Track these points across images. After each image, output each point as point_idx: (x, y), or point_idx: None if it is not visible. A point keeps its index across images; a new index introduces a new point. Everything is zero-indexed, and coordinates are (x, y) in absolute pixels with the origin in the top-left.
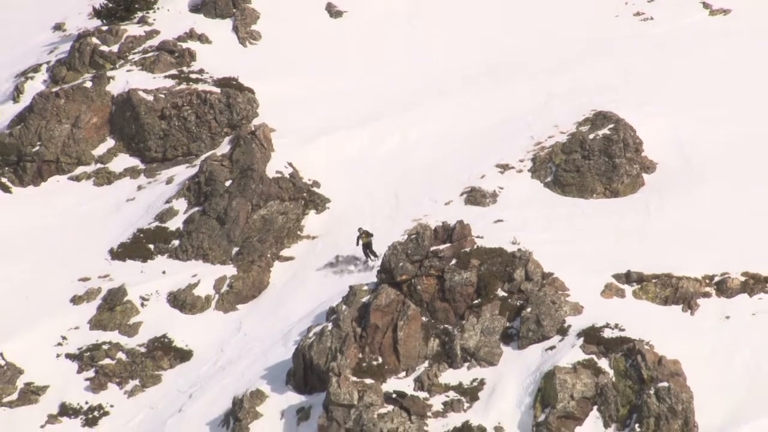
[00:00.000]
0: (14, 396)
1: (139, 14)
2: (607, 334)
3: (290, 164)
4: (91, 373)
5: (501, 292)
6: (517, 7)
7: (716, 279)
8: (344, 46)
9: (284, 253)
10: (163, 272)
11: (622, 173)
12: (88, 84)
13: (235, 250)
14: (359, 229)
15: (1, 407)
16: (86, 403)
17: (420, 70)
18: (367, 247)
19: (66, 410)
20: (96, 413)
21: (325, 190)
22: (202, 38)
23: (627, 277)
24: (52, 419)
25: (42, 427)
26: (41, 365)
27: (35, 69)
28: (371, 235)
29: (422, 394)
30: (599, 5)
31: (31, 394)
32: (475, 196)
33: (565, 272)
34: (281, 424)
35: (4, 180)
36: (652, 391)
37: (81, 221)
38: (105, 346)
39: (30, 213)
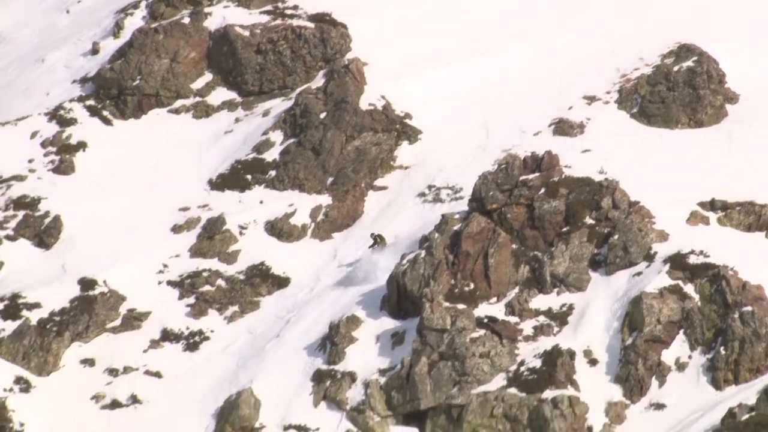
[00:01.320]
0: (117, 322)
1: None
2: (693, 260)
3: (383, 97)
4: (191, 300)
5: (589, 220)
6: None
7: None
8: None
9: (378, 182)
10: (261, 202)
11: (705, 104)
12: (186, 20)
13: (330, 180)
14: (372, 234)
15: (104, 333)
16: (187, 328)
17: (506, 9)
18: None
19: (167, 335)
20: (197, 338)
21: (417, 121)
22: None
23: (711, 205)
24: (154, 344)
25: (144, 352)
26: (143, 292)
27: (135, 5)
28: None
29: (513, 319)
30: None
31: (133, 320)
32: (563, 127)
33: (651, 200)
34: (376, 348)
35: (105, 113)
36: (736, 315)
37: (180, 153)
38: (205, 274)
39: (131, 145)
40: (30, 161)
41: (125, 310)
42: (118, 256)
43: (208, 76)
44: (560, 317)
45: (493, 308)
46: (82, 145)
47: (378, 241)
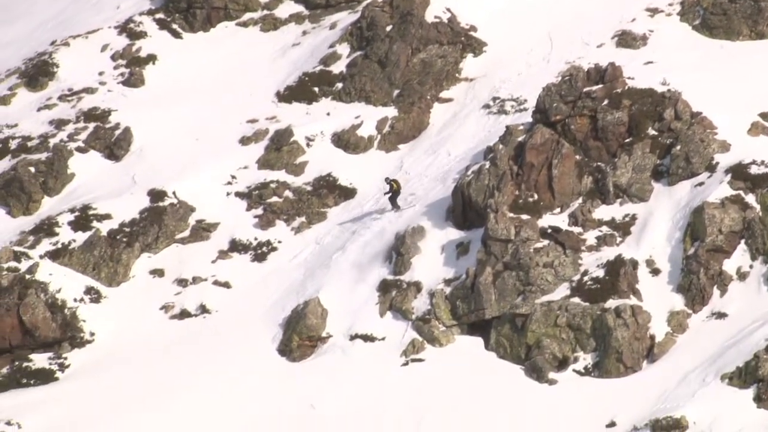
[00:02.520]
0: (186, 233)
1: None
2: (754, 170)
3: (448, 9)
4: (259, 211)
5: (651, 131)
6: None
7: None
8: None
9: (443, 95)
10: (328, 114)
11: (767, 16)
12: None
13: (396, 92)
14: (386, 179)
15: (173, 244)
16: (255, 239)
17: None
18: (395, 195)
19: (236, 246)
20: (264, 249)
21: (482, 34)
22: None
23: None
24: (222, 255)
25: (213, 262)
26: (212, 203)
27: None
28: (400, 187)
29: (576, 229)
30: None
31: (202, 231)
32: (625, 39)
33: (713, 111)
34: (441, 258)
35: (174, 26)
36: None
37: (248, 65)
38: (273, 185)
39: (200, 58)
40: (100, 74)
41: (194, 221)
42: (187, 168)
43: None
44: (623, 227)
45: (556, 219)
46: (151, 58)
47: (394, 186)
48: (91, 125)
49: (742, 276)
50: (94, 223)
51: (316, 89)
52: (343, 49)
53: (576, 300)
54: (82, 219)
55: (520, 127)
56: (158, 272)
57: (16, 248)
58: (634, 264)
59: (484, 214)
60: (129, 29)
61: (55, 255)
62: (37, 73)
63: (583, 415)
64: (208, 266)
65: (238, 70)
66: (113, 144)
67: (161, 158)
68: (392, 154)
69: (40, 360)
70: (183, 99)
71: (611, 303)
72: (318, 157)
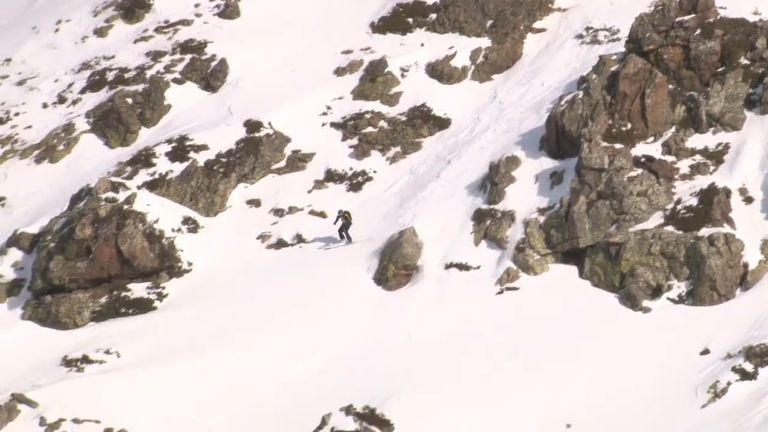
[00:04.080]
0: (282, 163)
1: None
2: None
3: None
4: (354, 141)
5: (743, 60)
6: None
7: None
8: None
9: (536, 25)
10: (422, 45)
11: None
12: None
13: (489, 22)
14: (339, 211)
15: (269, 174)
16: (350, 169)
17: None
18: (346, 228)
19: (331, 176)
20: (359, 179)
21: None
22: None
23: None
24: (318, 184)
25: (309, 192)
26: (307, 134)
27: None
28: (350, 218)
29: (669, 158)
30: None
31: (298, 161)
32: None
33: None
34: (535, 187)
35: None
36: None
37: None
38: (367, 115)
39: None
40: (196, 6)
41: (290, 151)
42: (282, 99)
43: None
44: (716, 156)
45: (649, 148)
46: None
47: (347, 218)
48: (187, 57)
49: None
50: (191, 154)
51: (410, 20)
52: None
53: (669, 228)
54: (179, 150)
55: (613, 57)
56: (254, 202)
57: (114, 179)
58: (727, 192)
59: (578, 143)
60: None
61: (152, 185)
62: (133, 5)
63: (676, 342)
64: (303, 196)
65: (332, 1)
66: (209, 75)
67: (257, 89)
68: (486, 85)
69: (138, 290)
70: (278, 30)
71: (704, 231)
72: (412, 88)
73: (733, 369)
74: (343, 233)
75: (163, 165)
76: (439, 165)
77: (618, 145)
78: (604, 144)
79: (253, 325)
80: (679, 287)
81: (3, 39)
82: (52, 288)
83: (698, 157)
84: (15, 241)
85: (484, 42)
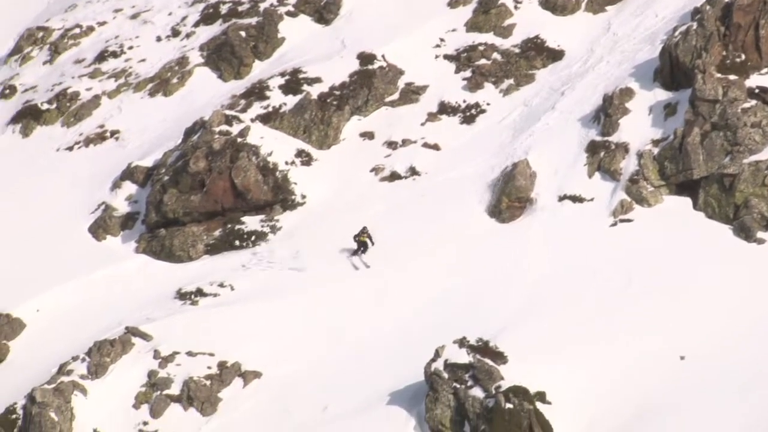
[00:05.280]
0: (396, 96)
1: None
2: None
3: None
4: (467, 73)
5: None
6: None
7: None
8: None
9: None
10: None
11: None
12: None
13: None
14: (364, 228)
15: (383, 107)
16: (463, 101)
17: None
18: (364, 245)
19: (444, 108)
20: (473, 111)
21: None
22: None
23: None
24: (431, 117)
25: (422, 124)
26: (420, 66)
27: None
28: (370, 237)
29: None
30: None
31: (411, 93)
32: None
33: None
34: (649, 119)
35: None
36: None
37: None
38: (480, 47)
39: None
40: None
41: (403, 83)
42: (395, 31)
43: None
44: None
45: (764, 79)
46: None
47: (364, 238)
48: None
49: None
50: (304, 87)
51: None
52: None
53: None
54: (293, 82)
55: None
56: (368, 135)
57: (228, 112)
58: None
59: (692, 75)
60: None
61: (265, 118)
62: None
63: None
64: (417, 128)
65: None
66: (323, 8)
67: (370, 22)
68: (599, 16)
69: (252, 222)
70: None
71: None
72: (525, 20)
73: None
74: (361, 251)
75: (276, 98)
76: (553, 97)
77: (732, 77)
78: (718, 75)
79: (367, 257)
80: None
81: None
82: (166, 221)
83: None
84: (129, 174)
85: None
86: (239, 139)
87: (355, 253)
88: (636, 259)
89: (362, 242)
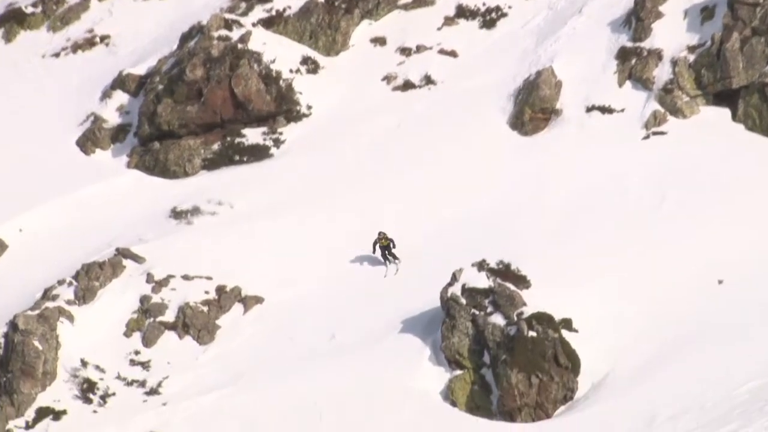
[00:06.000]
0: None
1: None
2: None
3: None
4: None
5: None
6: None
7: None
8: None
9: None
10: None
11: None
12: None
13: None
14: (379, 233)
15: (396, 10)
16: (483, 4)
17: None
18: (386, 250)
19: (462, 12)
20: (493, 14)
21: None
22: None
23: None
24: (448, 21)
25: (438, 29)
26: None
27: None
28: (390, 240)
29: None
30: None
31: None
32: None
33: None
34: (684, 23)
35: None
36: None
37: None
38: None
39: None
40: None
41: None
42: None
43: None
44: None
45: None
46: None
47: (383, 242)
48: None
49: None
50: None
51: None
52: None
53: None
54: None
55: None
56: (379, 40)
57: (228, 16)
58: None
59: None
60: None
61: (268, 23)
62: None
63: None
64: (432, 34)
65: None
66: None
67: None
68: None
69: (253, 135)
70: None
71: None
72: None
73: None
74: (388, 257)
75: (280, 0)
76: (580, 0)
77: None
78: None
79: (379, 174)
80: None
81: None
82: (160, 134)
83: None
84: (120, 83)
85: None
86: (240, 45)
87: (384, 259)
88: (670, 175)
89: (384, 247)
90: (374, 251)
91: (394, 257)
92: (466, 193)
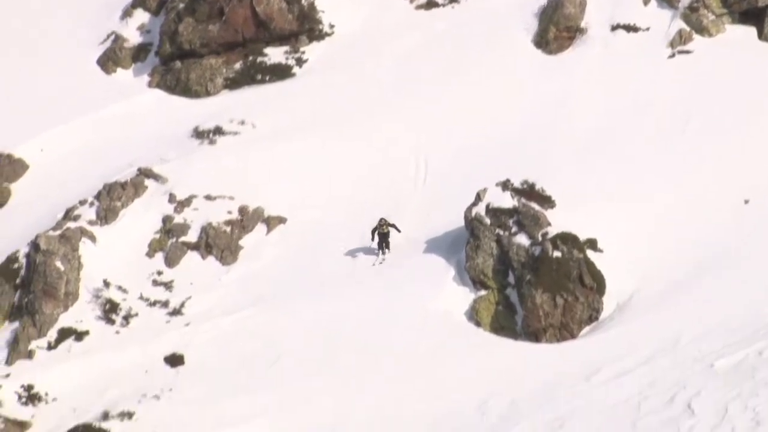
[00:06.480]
0: None
1: None
2: None
3: None
4: None
5: None
6: None
7: None
8: None
9: None
10: None
11: None
12: None
13: None
14: (380, 219)
15: None
16: None
17: None
18: (385, 238)
19: None
20: None
21: None
22: None
23: None
24: None
25: None
26: None
27: None
28: (392, 225)
29: None
30: None
31: None
32: None
33: None
34: None
35: None
36: None
37: None
38: None
39: None
40: None
41: None
42: None
43: None
44: None
45: None
46: None
47: (385, 230)
48: None
49: None
50: None
51: None
52: None
53: None
54: None
55: None
56: None
57: None
58: None
59: None
60: None
61: None
62: None
63: None
64: None
65: None
66: None
67: None
68: None
69: (275, 55)
70: None
71: None
72: None
73: None
74: (382, 246)
75: None
76: None
77: None
78: None
79: (402, 94)
80: None
81: None
82: (181, 53)
83: None
84: (141, 1)
85: None
86: None
87: (379, 247)
88: (695, 95)
89: (383, 235)
90: (372, 238)
91: (388, 247)
92: (490, 112)
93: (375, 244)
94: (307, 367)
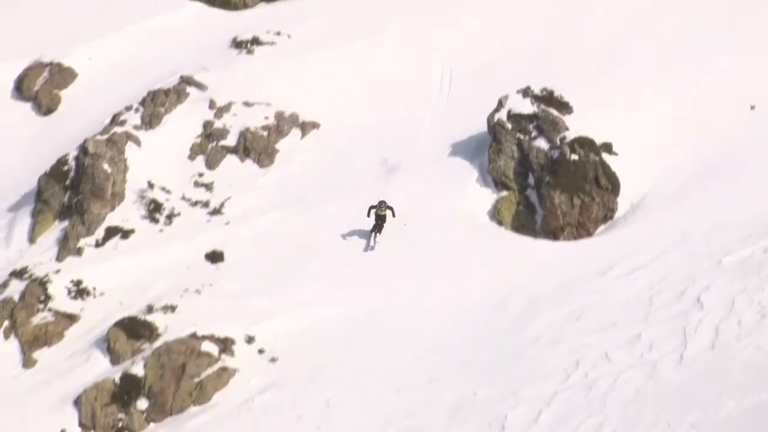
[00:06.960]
0: None
1: None
2: None
3: None
4: None
5: None
6: None
7: None
8: None
9: None
10: None
11: None
12: None
13: None
14: (380, 201)
15: None
16: None
17: None
18: (381, 221)
19: None
20: None
21: None
22: None
23: None
24: None
25: None
26: None
27: None
28: (389, 208)
29: None
30: None
31: None
32: None
33: None
34: None
35: None
36: None
37: None
38: None
39: None
40: None
41: None
42: None
43: None
44: None
45: None
46: None
47: (383, 212)
48: None
49: None
50: None
51: None
52: None
53: None
54: None
55: None
56: None
57: None
58: None
59: None
60: None
61: None
62: None
63: None
64: None
65: None
66: None
67: None
68: None
69: None
70: None
71: None
72: None
73: None
74: (376, 229)
75: None
76: None
77: None
78: None
79: (433, 6)
80: None
81: None
82: None
83: None
84: None
85: None
86: None
87: (373, 229)
88: (701, 13)
89: (380, 216)
90: (368, 215)
91: (380, 230)
92: (508, 21)
93: (371, 222)
94: (342, 262)
